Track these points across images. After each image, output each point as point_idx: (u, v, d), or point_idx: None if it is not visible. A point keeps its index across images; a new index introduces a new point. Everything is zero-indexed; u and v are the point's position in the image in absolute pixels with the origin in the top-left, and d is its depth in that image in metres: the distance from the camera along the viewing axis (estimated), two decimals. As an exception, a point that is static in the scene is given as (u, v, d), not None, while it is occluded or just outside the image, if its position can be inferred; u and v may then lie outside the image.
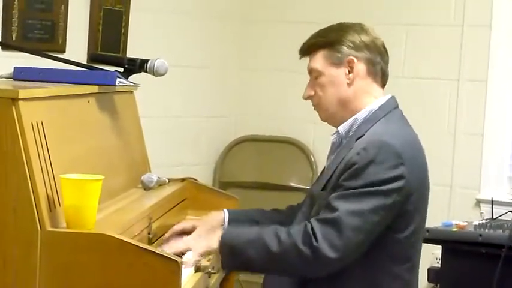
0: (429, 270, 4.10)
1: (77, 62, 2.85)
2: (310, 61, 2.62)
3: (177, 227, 2.80)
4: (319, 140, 4.77)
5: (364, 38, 2.57)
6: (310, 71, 2.62)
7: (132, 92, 3.10)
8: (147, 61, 2.82)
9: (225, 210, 2.83)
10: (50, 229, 2.18)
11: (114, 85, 2.70)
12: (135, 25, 4.33)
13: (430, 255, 4.26)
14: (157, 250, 2.20)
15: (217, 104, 4.94)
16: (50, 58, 2.85)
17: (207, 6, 4.81)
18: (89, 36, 4.12)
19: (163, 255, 2.16)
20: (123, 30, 4.29)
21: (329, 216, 2.40)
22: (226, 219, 2.80)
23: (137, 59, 2.84)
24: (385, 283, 2.49)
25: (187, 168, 4.61)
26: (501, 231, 3.61)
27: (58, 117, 2.39)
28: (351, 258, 2.41)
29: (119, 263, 2.15)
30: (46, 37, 3.87)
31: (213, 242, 2.50)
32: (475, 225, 3.74)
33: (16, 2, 3.69)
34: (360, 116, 2.56)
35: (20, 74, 2.69)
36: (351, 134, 2.57)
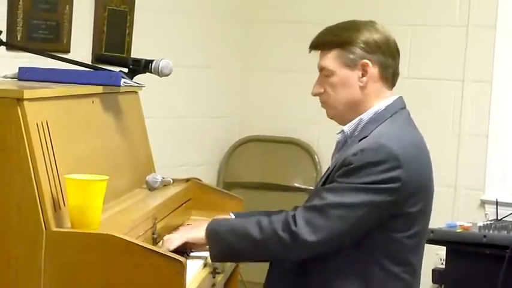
0: (433, 271, 4.11)
1: (82, 62, 2.85)
2: (321, 58, 2.59)
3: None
4: (323, 140, 4.77)
5: (378, 38, 2.55)
6: (321, 68, 2.59)
7: (136, 92, 3.10)
8: (151, 61, 2.82)
9: (232, 213, 2.84)
10: (55, 229, 2.18)
11: (119, 85, 2.70)
12: (139, 25, 4.33)
13: (435, 256, 4.26)
14: (162, 250, 2.21)
15: (221, 105, 4.95)
16: (55, 58, 2.85)
17: (211, 6, 4.81)
18: (93, 36, 4.12)
19: (168, 256, 2.17)
20: (127, 31, 4.29)
21: (315, 204, 2.45)
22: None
23: (142, 59, 2.84)
24: (382, 282, 2.49)
25: (192, 168, 4.61)
26: (506, 232, 3.60)
27: (63, 117, 2.39)
28: (330, 246, 2.44)
29: (124, 263, 2.15)
30: (51, 37, 3.87)
31: (200, 231, 2.54)
32: (480, 226, 3.73)
33: (21, 3, 3.70)
34: (366, 116, 2.56)
35: (25, 74, 2.69)
36: (356, 133, 2.56)
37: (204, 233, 2.53)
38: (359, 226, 2.43)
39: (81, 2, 4.01)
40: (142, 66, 2.83)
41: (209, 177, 4.76)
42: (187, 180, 3.16)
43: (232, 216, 2.81)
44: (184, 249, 2.57)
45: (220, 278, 2.73)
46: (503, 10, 4.42)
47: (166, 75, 2.84)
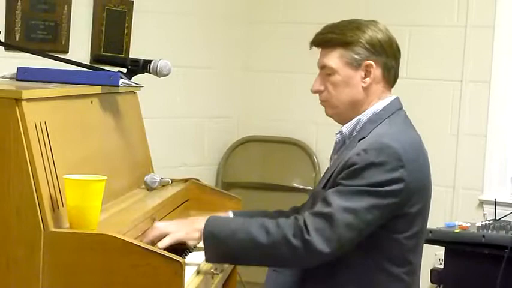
0: (432, 271, 4.11)
1: (80, 63, 2.85)
2: (323, 56, 2.57)
3: None
4: (322, 141, 4.77)
5: (382, 38, 2.54)
6: (323, 66, 2.57)
7: (135, 92, 3.10)
8: (150, 62, 2.82)
9: (231, 212, 2.82)
10: (53, 229, 2.18)
11: (118, 86, 2.70)
12: (138, 26, 4.34)
13: (433, 256, 4.27)
14: (161, 251, 2.20)
15: (220, 105, 4.94)
16: (53, 59, 2.85)
17: (210, 7, 4.81)
18: (92, 36, 4.13)
19: (167, 256, 2.16)
20: (126, 31, 4.29)
21: (323, 211, 2.39)
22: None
23: (140, 59, 2.84)
24: (383, 284, 2.49)
25: (191, 168, 4.61)
26: (504, 232, 3.60)
27: (61, 117, 2.39)
28: (341, 252, 2.40)
29: (122, 263, 2.15)
30: (49, 38, 3.87)
31: (194, 231, 2.47)
32: (478, 226, 3.73)
33: (19, 3, 3.70)
34: (364, 116, 2.56)
35: (23, 75, 2.69)
36: (354, 134, 2.56)
37: (199, 234, 2.45)
38: (366, 230, 2.42)
39: (79, 3, 4.01)
40: (140, 67, 2.83)
41: (208, 178, 4.76)
42: (186, 180, 3.16)
43: (231, 215, 2.78)
44: (185, 249, 2.56)
45: (218, 278, 2.73)
46: (501, 11, 4.42)
47: (165, 75, 2.84)
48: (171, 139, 4.59)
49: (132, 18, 4.31)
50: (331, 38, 2.55)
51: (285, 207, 2.88)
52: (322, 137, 4.76)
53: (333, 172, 2.51)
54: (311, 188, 4.60)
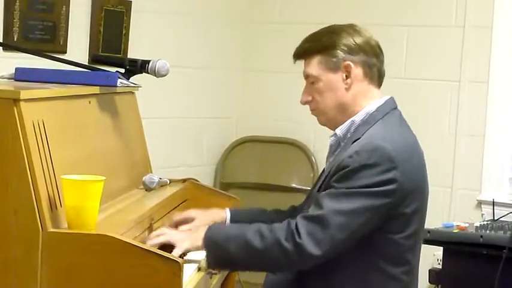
0: (430, 271, 4.11)
1: (78, 63, 2.85)
2: (305, 66, 2.62)
3: (178, 217, 2.79)
4: (320, 141, 4.76)
5: (358, 40, 2.57)
6: (307, 76, 2.61)
7: (133, 92, 3.10)
8: (148, 62, 2.82)
9: (228, 209, 2.84)
10: (51, 230, 2.18)
11: (116, 86, 2.70)
12: (136, 26, 4.33)
13: (431, 256, 4.26)
14: (159, 251, 2.20)
15: (218, 105, 4.95)
16: (51, 59, 2.85)
17: (209, 7, 4.81)
18: (90, 37, 4.12)
19: (165, 256, 2.16)
20: (124, 31, 4.29)
21: (315, 214, 2.41)
22: (228, 218, 2.80)
23: (138, 59, 2.84)
24: (380, 283, 2.49)
25: (189, 169, 4.61)
26: (502, 232, 3.61)
27: (59, 118, 2.39)
28: (335, 254, 2.42)
29: (120, 263, 2.15)
30: (47, 38, 3.87)
31: (198, 239, 2.48)
32: (476, 227, 3.74)
33: (17, 3, 3.70)
34: (357, 118, 2.56)
35: (22, 75, 2.69)
36: (349, 135, 2.57)
37: (202, 242, 2.47)
38: (360, 231, 2.42)
39: (77, 3, 4.01)
40: (138, 67, 2.83)
41: (206, 178, 4.76)
42: (184, 180, 3.17)
43: (228, 213, 2.81)
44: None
45: (217, 279, 2.73)
46: (499, 11, 4.43)
47: (163, 75, 2.84)
48: (169, 139, 4.58)
49: (130, 19, 4.31)
50: (308, 46, 2.61)
51: (283, 207, 2.88)
52: (320, 137, 4.75)
53: (327, 175, 2.52)
54: (309, 188, 4.59)
